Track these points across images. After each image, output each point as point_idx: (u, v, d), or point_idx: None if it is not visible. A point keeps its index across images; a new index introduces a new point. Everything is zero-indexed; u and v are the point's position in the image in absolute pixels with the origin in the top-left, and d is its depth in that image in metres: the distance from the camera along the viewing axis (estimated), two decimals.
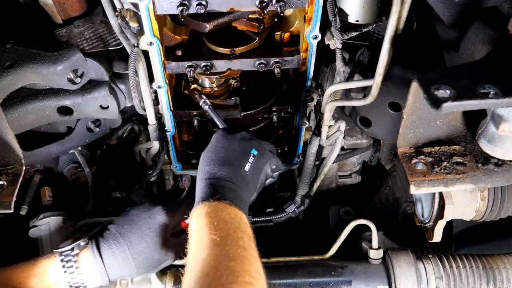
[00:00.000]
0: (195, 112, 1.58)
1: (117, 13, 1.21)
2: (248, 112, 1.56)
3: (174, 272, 1.53)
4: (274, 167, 1.32)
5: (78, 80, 1.33)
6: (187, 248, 1.07)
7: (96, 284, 1.25)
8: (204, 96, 1.49)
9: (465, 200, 1.32)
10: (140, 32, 1.29)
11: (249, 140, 1.29)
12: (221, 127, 1.42)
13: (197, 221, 1.05)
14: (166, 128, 1.60)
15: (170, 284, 1.49)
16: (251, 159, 1.23)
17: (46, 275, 1.22)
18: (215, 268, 0.90)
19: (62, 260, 1.23)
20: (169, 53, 1.44)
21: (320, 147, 1.73)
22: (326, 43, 1.39)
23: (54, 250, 1.26)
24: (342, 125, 1.64)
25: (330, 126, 1.61)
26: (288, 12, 1.51)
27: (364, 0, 1.25)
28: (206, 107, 1.47)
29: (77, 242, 1.25)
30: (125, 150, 1.81)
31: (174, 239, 1.29)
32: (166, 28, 1.43)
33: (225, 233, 0.98)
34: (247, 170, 1.21)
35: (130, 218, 1.28)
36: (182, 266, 1.53)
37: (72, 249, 1.24)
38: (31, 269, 1.22)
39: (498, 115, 1.03)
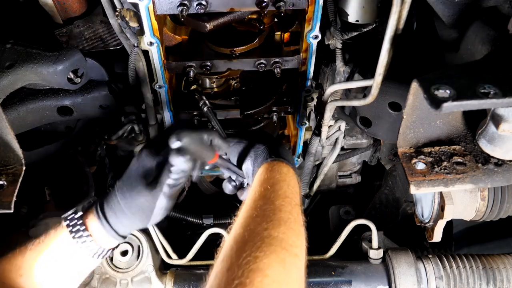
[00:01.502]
0: (195, 112, 1.58)
1: (117, 13, 1.21)
2: (248, 112, 1.56)
3: (174, 272, 1.53)
4: None
5: (78, 80, 1.33)
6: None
7: (112, 243, 1.20)
8: (204, 98, 1.50)
9: (465, 200, 1.32)
10: (140, 32, 1.29)
11: None
12: (218, 131, 1.41)
13: (264, 175, 1.10)
14: (165, 127, 1.60)
15: (170, 284, 1.50)
16: None
17: (58, 249, 1.15)
18: (275, 228, 0.94)
19: (70, 230, 1.15)
20: (169, 53, 1.44)
21: (320, 147, 1.73)
22: (326, 43, 1.39)
23: (61, 218, 1.18)
24: (342, 125, 1.64)
25: (330, 126, 1.61)
26: (288, 12, 1.51)
27: (364, 0, 1.25)
28: (205, 109, 1.48)
29: (80, 205, 1.22)
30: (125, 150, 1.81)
31: (162, 177, 1.17)
32: (166, 28, 1.43)
33: (289, 201, 1.04)
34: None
35: (127, 168, 1.20)
36: (182, 266, 1.55)
37: (76, 212, 1.17)
38: (38, 246, 1.15)
39: (498, 115, 1.03)
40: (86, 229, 1.16)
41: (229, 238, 0.96)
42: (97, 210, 1.17)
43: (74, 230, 1.16)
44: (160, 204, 1.16)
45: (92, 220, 1.17)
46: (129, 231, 1.21)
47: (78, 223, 1.16)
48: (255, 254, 0.86)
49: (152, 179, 1.15)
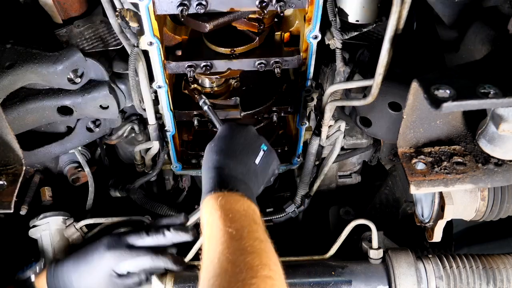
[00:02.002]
0: (195, 112, 1.58)
1: (117, 13, 1.21)
2: (248, 112, 1.56)
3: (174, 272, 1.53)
4: (278, 164, 1.30)
5: (78, 80, 1.33)
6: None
7: None
8: (204, 96, 1.50)
9: (465, 200, 1.32)
10: (140, 32, 1.29)
11: (258, 135, 1.26)
12: (218, 127, 1.41)
13: (211, 213, 1.00)
14: (166, 128, 1.60)
15: (170, 284, 1.49)
16: (261, 153, 1.19)
17: None
18: (233, 263, 0.87)
19: None
20: (169, 53, 1.44)
21: (320, 147, 1.73)
22: (326, 43, 1.39)
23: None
24: (342, 125, 1.64)
25: (330, 126, 1.61)
26: (288, 12, 1.51)
27: (364, 0, 1.25)
28: (205, 107, 1.47)
29: (33, 268, 1.30)
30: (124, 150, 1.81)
31: (121, 280, 1.27)
32: (166, 28, 1.43)
33: (240, 226, 0.95)
34: (257, 163, 1.17)
35: (86, 252, 1.29)
36: None
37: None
38: None
39: (498, 115, 1.03)
40: None
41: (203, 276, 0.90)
42: (49, 276, 1.27)
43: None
44: None
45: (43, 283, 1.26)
46: None
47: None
48: None
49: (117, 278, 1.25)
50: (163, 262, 1.26)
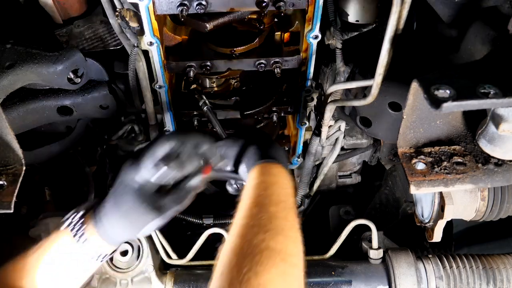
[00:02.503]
0: (195, 112, 1.58)
1: (117, 13, 1.21)
2: (248, 112, 1.56)
3: (174, 272, 1.53)
4: None
5: (78, 80, 1.33)
6: (178, 204, 1.14)
7: (107, 249, 1.19)
8: (204, 97, 1.50)
9: (465, 200, 1.32)
10: (140, 32, 1.29)
11: None
12: (217, 130, 1.43)
13: (254, 178, 1.10)
14: (166, 128, 1.60)
15: (170, 284, 1.50)
16: None
17: (59, 252, 1.15)
18: (272, 239, 0.94)
19: (71, 231, 1.15)
20: (169, 53, 1.44)
21: (320, 147, 1.73)
22: (326, 43, 1.39)
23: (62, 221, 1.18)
24: (342, 125, 1.64)
25: (330, 126, 1.61)
26: (288, 12, 1.51)
27: (364, 0, 1.25)
28: (205, 108, 1.48)
29: (79, 207, 1.19)
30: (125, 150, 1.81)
31: (154, 196, 1.16)
32: (166, 28, 1.43)
33: (283, 203, 1.05)
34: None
35: (118, 179, 1.19)
36: (182, 266, 1.55)
37: (77, 212, 1.17)
38: (40, 250, 1.15)
39: (498, 115, 1.03)
40: (86, 231, 1.16)
41: (226, 248, 0.95)
42: (93, 215, 1.17)
43: (75, 230, 1.16)
44: (154, 223, 1.17)
45: (90, 224, 1.17)
46: (121, 240, 1.21)
47: (79, 223, 1.17)
48: (256, 269, 0.86)
49: (149, 198, 1.13)
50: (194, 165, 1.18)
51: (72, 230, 1.17)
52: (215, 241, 1.49)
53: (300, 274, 0.94)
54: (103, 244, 1.18)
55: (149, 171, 1.12)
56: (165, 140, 1.14)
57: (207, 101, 1.48)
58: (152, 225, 1.18)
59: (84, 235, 1.16)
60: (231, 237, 0.98)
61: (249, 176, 1.13)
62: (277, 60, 1.42)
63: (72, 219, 1.18)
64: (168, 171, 1.11)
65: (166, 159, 1.12)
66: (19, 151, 1.15)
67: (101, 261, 1.20)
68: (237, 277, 0.86)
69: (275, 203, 1.03)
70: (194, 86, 1.57)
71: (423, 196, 1.43)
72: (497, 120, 1.04)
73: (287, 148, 1.80)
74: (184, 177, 1.17)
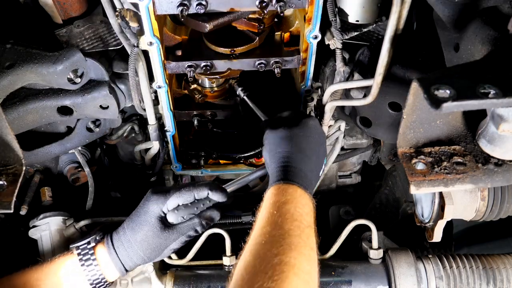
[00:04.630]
0: (195, 112, 1.58)
1: (117, 13, 1.21)
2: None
3: (174, 272, 1.53)
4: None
5: (78, 80, 1.33)
6: (195, 229, 1.26)
7: (115, 276, 1.30)
8: (239, 86, 1.54)
9: (465, 200, 1.32)
10: (140, 32, 1.29)
11: (322, 130, 1.34)
12: (259, 115, 1.48)
13: (269, 199, 1.10)
14: (166, 128, 1.60)
15: (170, 284, 1.49)
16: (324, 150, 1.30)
17: (64, 272, 1.24)
18: (285, 254, 0.93)
19: (79, 254, 1.26)
20: (169, 53, 1.44)
21: None
22: (326, 43, 1.39)
23: (71, 246, 1.30)
24: (342, 125, 1.63)
25: (330, 126, 1.61)
26: (288, 12, 1.51)
27: (364, 0, 1.25)
28: (244, 96, 1.51)
29: (93, 236, 1.30)
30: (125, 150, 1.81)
31: (174, 223, 1.30)
32: (166, 28, 1.43)
33: (298, 224, 1.03)
34: (324, 162, 1.27)
35: (136, 209, 1.32)
36: (182, 267, 1.55)
37: (89, 243, 1.28)
38: (48, 267, 1.25)
39: (498, 115, 1.03)
40: (94, 256, 1.26)
41: (239, 267, 0.95)
42: (107, 242, 1.28)
43: (83, 254, 1.26)
44: (173, 246, 1.29)
45: (102, 250, 1.28)
46: (135, 266, 1.31)
47: (89, 247, 1.27)
48: (267, 284, 0.85)
49: (169, 224, 1.27)
50: (206, 189, 1.27)
51: (80, 251, 1.27)
52: (215, 241, 1.49)
53: None
54: (111, 271, 1.28)
55: (172, 208, 1.27)
56: (194, 191, 1.27)
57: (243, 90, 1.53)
58: (169, 250, 1.30)
59: (90, 258, 1.26)
60: (243, 256, 0.98)
61: (265, 196, 1.13)
62: (277, 60, 1.42)
63: (84, 246, 1.28)
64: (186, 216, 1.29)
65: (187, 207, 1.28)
66: (19, 151, 1.15)
67: None
68: None
69: (289, 221, 1.01)
70: (194, 86, 1.57)
71: (423, 196, 1.43)
72: (497, 120, 1.04)
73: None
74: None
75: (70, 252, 1.29)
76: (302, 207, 1.08)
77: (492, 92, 0.83)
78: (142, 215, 1.27)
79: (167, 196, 1.26)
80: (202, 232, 1.36)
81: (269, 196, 1.11)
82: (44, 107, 1.39)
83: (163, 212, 1.27)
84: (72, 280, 1.25)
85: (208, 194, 1.27)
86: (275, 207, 1.05)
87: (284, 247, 0.94)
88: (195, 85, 1.57)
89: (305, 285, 0.90)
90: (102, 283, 1.28)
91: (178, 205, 1.27)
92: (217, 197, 1.28)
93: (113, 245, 1.28)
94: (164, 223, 1.27)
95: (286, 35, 1.49)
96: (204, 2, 1.21)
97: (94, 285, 1.27)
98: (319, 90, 1.56)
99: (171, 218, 1.27)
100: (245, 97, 1.51)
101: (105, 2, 1.20)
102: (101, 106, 1.43)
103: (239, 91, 1.52)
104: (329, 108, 1.47)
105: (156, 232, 1.25)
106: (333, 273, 1.48)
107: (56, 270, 1.24)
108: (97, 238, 1.31)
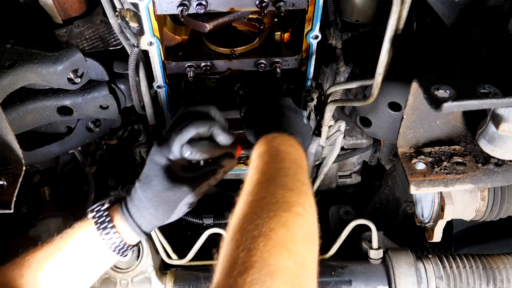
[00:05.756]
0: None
1: (117, 13, 1.21)
2: None
3: (174, 272, 1.53)
4: None
5: (78, 80, 1.33)
6: (209, 178, 1.18)
7: (135, 240, 1.22)
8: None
9: (465, 200, 1.32)
10: (140, 32, 1.29)
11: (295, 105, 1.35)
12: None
13: (264, 148, 1.07)
14: (166, 128, 1.60)
15: (170, 284, 1.50)
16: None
17: (82, 242, 1.17)
18: (272, 194, 0.92)
19: (96, 223, 1.17)
20: (169, 53, 1.44)
21: (320, 147, 1.73)
22: (329, 43, 1.39)
23: (88, 211, 1.21)
24: (342, 125, 1.63)
25: (330, 126, 1.61)
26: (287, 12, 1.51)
27: (364, 0, 1.25)
28: (241, 92, 1.52)
29: (106, 199, 1.23)
30: (125, 150, 1.80)
31: (186, 173, 1.21)
32: (166, 28, 1.43)
33: (287, 166, 1.00)
34: (305, 122, 1.27)
35: (146, 166, 1.24)
36: (182, 267, 1.55)
37: (102, 204, 1.20)
38: (63, 238, 1.17)
39: (498, 115, 1.03)
40: (111, 222, 1.18)
41: (232, 219, 0.94)
42: (121, 205, 1.20)
43: (100, 222, 1.18)
44: (186, 200, 1.20)
45: (117, 215, 1.20)
46: (152, 227, 1.23)
47: (104, 215, 1.19)
48: (256, 222, 0.85)
49: (180, 174, 1.19)
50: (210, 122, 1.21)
51: (96, 219, 1.18)
52: (215, 241, 1.49)
53: (306, 223, 0.93)
54: (127, 236, 1.20)
55: (178, 152, 1.17)
56: (194, 127, 1.18)
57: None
58: (183, 204, 1.21)
59: (108, 226, 1.17)
60: (236, 208, 0.96)
61: (254, 148, 1.10)
62: (277, 60, 1.42)
63: (98, 209, 1.20)
64: (197, 154, 1.17)
65: (194, 144, 1.17)
66: (19, 151, 1.15)
67: (121, 253, 1.20)
68: (239, 231, 0.85)
69: (277, 167, 1.00)
70: (194, 86, 1.57)
71: (423, 196, 1.43)
72: (497, 120, 1.04)
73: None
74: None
75: (85, 219, 1.20)
76: (294, 155, 1.06)
77: (492, 92, 0.83)
78: (148, 170, 1.19)
79: (170, 142, 1.18)
80: (203, 228, 1.31)
81: (259, 145, 1.09)
82: (44, 107, 1.39)
83: (169, 160, 1.19)
84: (91, 249, 1.18)
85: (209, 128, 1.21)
86: (267, 155, 1.04)
87: (271, 189, 0.93)
88: (195, 85, 1.56)
89: (296, 217, 0.91)
90: (124, 248, 1.20)
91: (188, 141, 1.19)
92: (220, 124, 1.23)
93: (126, 207, 1.19)
94: (173, 173, 1.18)
95: (286, 35, 1.49)
96: (204, 2, 1.21)
97: (117, 251, 1.19)
98: (319, 90, 1.56)
99: (186, 153, 1.17)
100: (242, 93, 1.50)
101: (105, 2, 1.20)
102: (101, 106, 1.43)
103: (236, 87, 1.52)
104: (329, 108, 1.47)
105: (166, 184, 1.17)
106: (333, 273, 1.48)
107: (69, 241, 1.16)
108: (112, 199, 1.22)
